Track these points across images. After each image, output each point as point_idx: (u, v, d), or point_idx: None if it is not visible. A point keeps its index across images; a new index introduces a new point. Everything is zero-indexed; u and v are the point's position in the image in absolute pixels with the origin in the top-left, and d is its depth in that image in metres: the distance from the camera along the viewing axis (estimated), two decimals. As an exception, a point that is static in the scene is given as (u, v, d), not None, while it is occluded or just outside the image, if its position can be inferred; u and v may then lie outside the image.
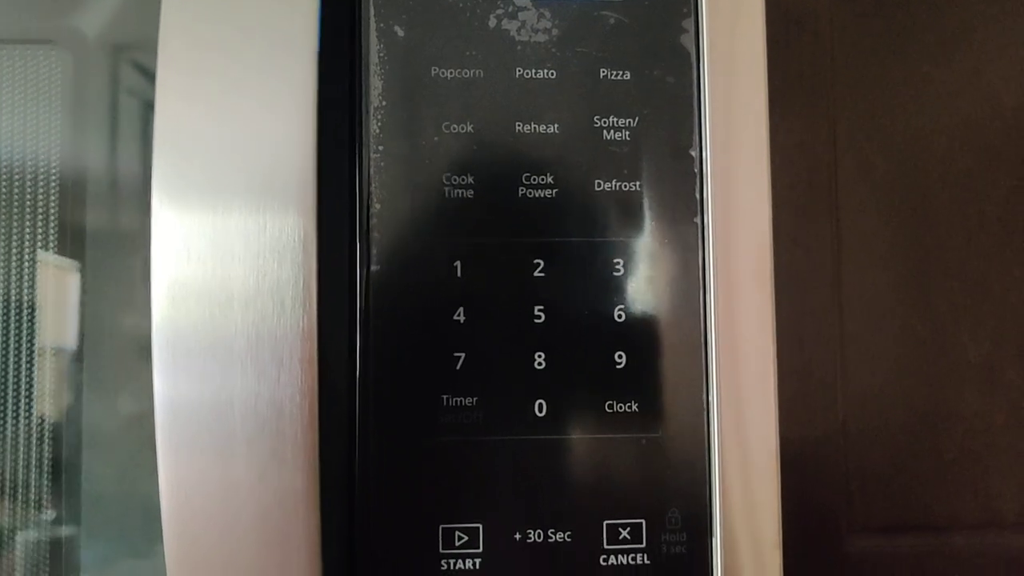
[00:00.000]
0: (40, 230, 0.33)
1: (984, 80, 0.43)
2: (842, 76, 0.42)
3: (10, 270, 0.33)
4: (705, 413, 0.29)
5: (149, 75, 0.32)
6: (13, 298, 0.33)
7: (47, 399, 0.33)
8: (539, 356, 0.28)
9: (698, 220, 0.29)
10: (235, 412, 0.26)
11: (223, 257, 0.26)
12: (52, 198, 0.33)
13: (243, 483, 0.25)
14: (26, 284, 0.33)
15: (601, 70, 0.29)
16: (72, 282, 0.33)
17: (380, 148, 0.29)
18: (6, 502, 0.33)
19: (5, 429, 0.33)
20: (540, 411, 0.28)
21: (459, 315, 0.28)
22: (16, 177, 0.33)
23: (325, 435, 0.27)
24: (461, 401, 0.28)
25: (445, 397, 0.28)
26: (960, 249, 0.43)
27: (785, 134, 0.41)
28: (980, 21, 0.43)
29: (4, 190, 0.33)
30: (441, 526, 0.28)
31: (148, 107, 0.33)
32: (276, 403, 0.26)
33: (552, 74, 0.29)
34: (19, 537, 0.33)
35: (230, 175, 0.27)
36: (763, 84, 0.30)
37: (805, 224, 0.42)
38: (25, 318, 0.33)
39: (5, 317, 0.33)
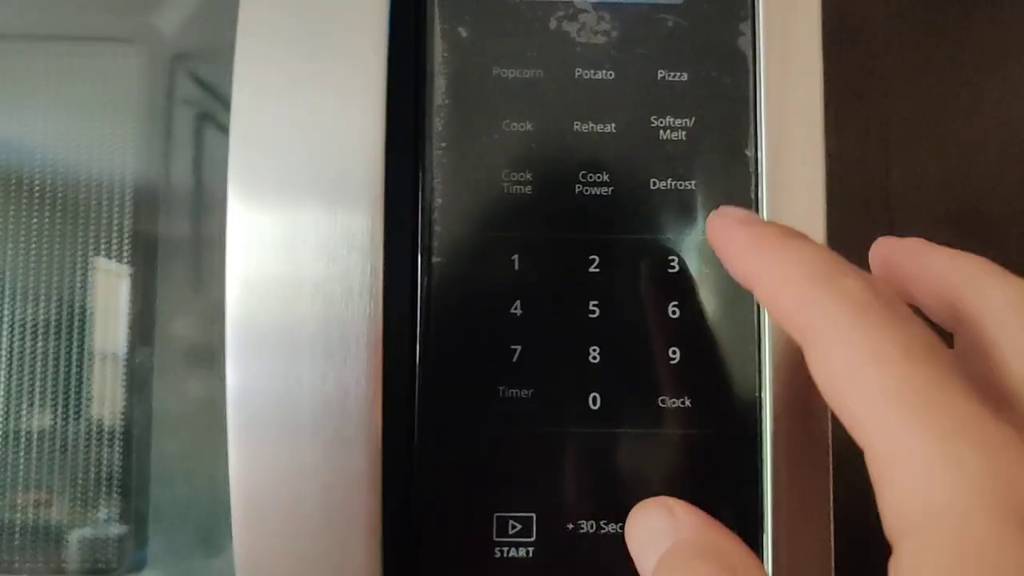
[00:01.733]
0: (105, 233, 0.35)
1: (1038, 90, 0.43)
2: (895, 85, 0.42)
3: (75, 272, 0.35)
4: (758, 410, 0.29)
5: (222, 75, 0.33)
6: (77, 301, 0.35)
7: (107, 398, 0.34)
8: (594, 350, 0.29)
9: (753, 219, 0.30)
10: (304, 394, 0.27)
11: (295, 247, 0.27)
12: (127, 199, 0.34)
13: (308, 463, 0.26)
14: (87, 289, 0.35)
15: (659, 71, 0.30)
16: (136, 287, 0.35)
17: (443, 145, 0.30)
18: (71, 500, 0.34)
19: (68, 428, 0.34)
20: (594, 404, 0.29)
21: (516, 308, 0.29)
22: (92, 176, 0.34)
23: (387, 420, 0.28)
24: (517, 392, 0.29)
25: (501, 388, 0.29)
26: (1011, 260, 0.42)
27: (838, 142, 0.41)
28: (1035, 32, 0.43)
29: (82, 187, 0.34)
30: (496, 514, 0.28)
31: (219, 107, 0.34)
32: (342, 385, 0.26)
33: (610, 75, 0.30)
34: (80, 533, 0.34)
35: (302, 169, 0.28)
36: (819, 87, 0.30)
37: (857, 232, 0.42)
38: (87, 321, 0.34)
39: (68, 320, 0.34)
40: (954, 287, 0.24)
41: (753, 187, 0.30)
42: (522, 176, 0.30)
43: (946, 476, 0.18)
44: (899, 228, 0.42)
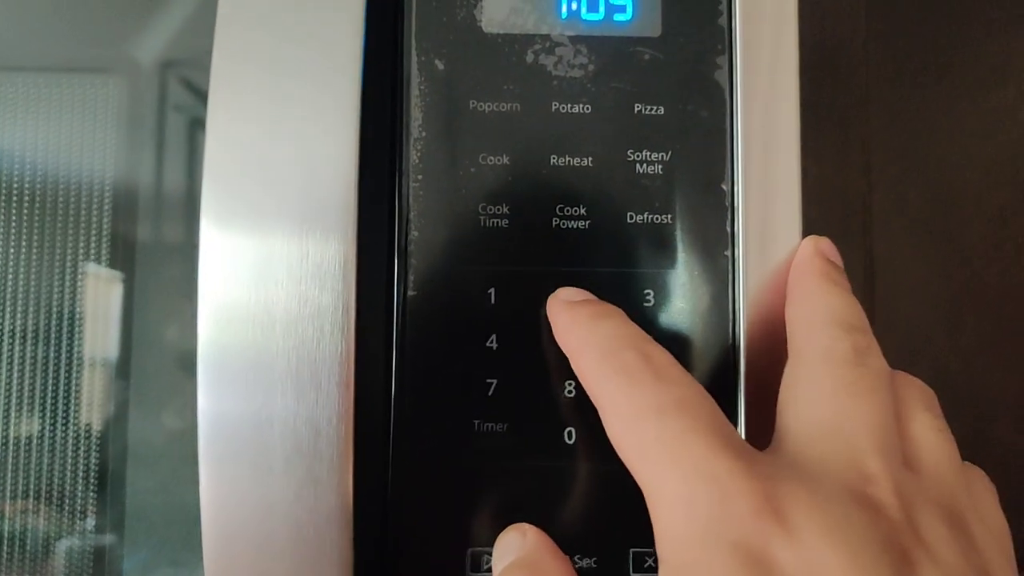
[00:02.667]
0: (92, 247, 0.35)
1: (1020, 117, 0.43)
2: (877, 110, 0.42)
3: (64, 284, 0.34)
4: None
5: (200, 99, 0.33)
6: (66, 310, 0.35)
7: (93, 409, 0.34)
8: (569, 384, 0.29)
9: (728, 253, 0.30)
10: (274, 431, 0.27)
11: (267, 281, 0.27)
12: (104, 219, 0.34)
13: (280, 501, 0.26)
14: (76, 296, 0.35)
15: (635, 105, 0.30)
16: (117, 294, 0.35)
17: (419, 178, 0.30)
18: (52, 510, 0.34)
19: (46, 437, 0.34)
20: (570, 439, 0.29)
21: (492, 342, 0.29)
22: (72, 196, 0.34)
23: (360, 456, 0.28)
24: (492, 427, 0.29)
25: (477, 422, 0.29)
26: (993, 285, 0.42)
27: (819, 166, 0.42)
28: (1017, 58, 0.43)
29: (60, 211, 0.34)
30: (470, 549, 0.28)
31: (197, 130, 0.34)
32: (313, 424, 0.26)
33: (587, 108, 0.30)
34: (62, 544, 0.34)
35: (276, 202, 0.28)
36: (796, 119, 0.30)
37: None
38: (75, 329, 0.34)
39: (58, 328, 0.34)
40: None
41: (729, 220, 0.30)
42: (499, 209, 0.30)
43: (682, 513, 0.23)
44: (880, 253, 0.42)
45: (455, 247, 0.30)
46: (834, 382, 0.25)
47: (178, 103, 0.34)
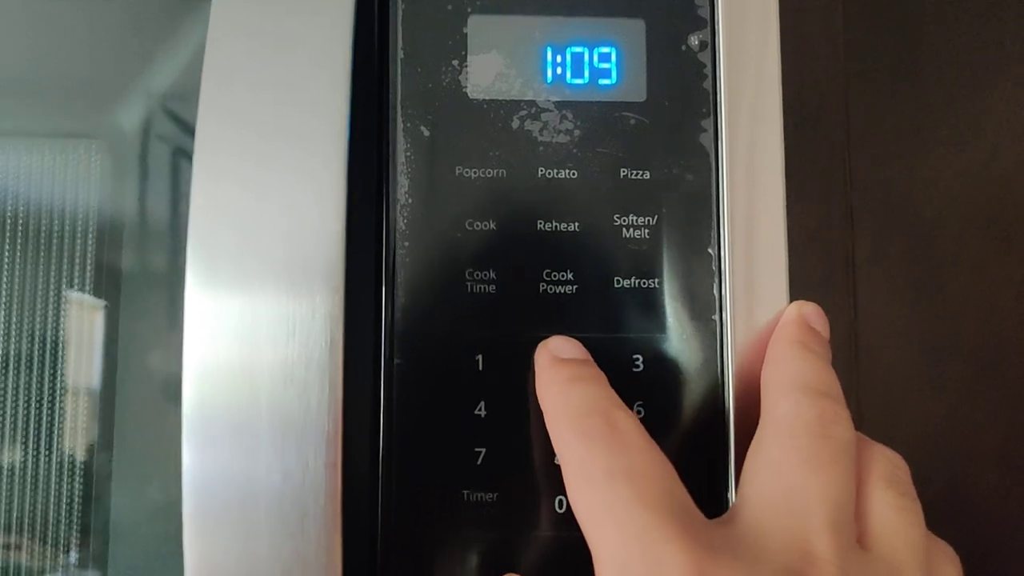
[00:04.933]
0: (77, 276, 0.34)
1: (998, 167, 0.44)
2: (858, 162, 0.43)
3: (47, 313, 0.34)
4: (725, 509, 0.29)
5: (185, 130, 0.33)
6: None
7: (75, 437, 0.33)
8: (559, 451, 0.29)
9: (716, 317, 0.30)
10: (259, 493, 0.26)
11: (252, 343, 0.27)
12: (89, 248, 0.34)
13: (264, 561, 0.25)
14: (60, 325, 0.34)
15: (621, 169, 0.30)
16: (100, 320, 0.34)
17: (405, 244, 0.29)
18: (35, 542, 0.34)
19: (28, 467, 0.33)
20: (560, 507, 0.29)
21: (480, 409, 0.29)
22: (56, 226, 0.34)
23: (348, 524, 0.27)
24: (482, 496, 0.28)
25: (466, 492, 0.29)
26: (975, 332, 0.43)
27: (803, 218, 0.42)
28: (994, 110, 0.44)
29: (43, 240, 0.34)
30: (460, 622, 0.28)
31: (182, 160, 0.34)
32: (299, 488, 0.26)
33: (573, 173, 0.30)
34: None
35: (261, 268, 0.27)
36: (781, 182, 0.31)
37: (822, 306, 0.42)
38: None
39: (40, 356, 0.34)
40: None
41: (716, 284, 0.30)
42: (486, 275, 0.29)
43: None
44: (862, 303, 0.42)
45: (442, 313, 0.29)
46: (795, 453, 0.25)
47: (163, 134, 0.34)
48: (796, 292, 0.38)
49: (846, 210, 0.42)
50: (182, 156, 0.34)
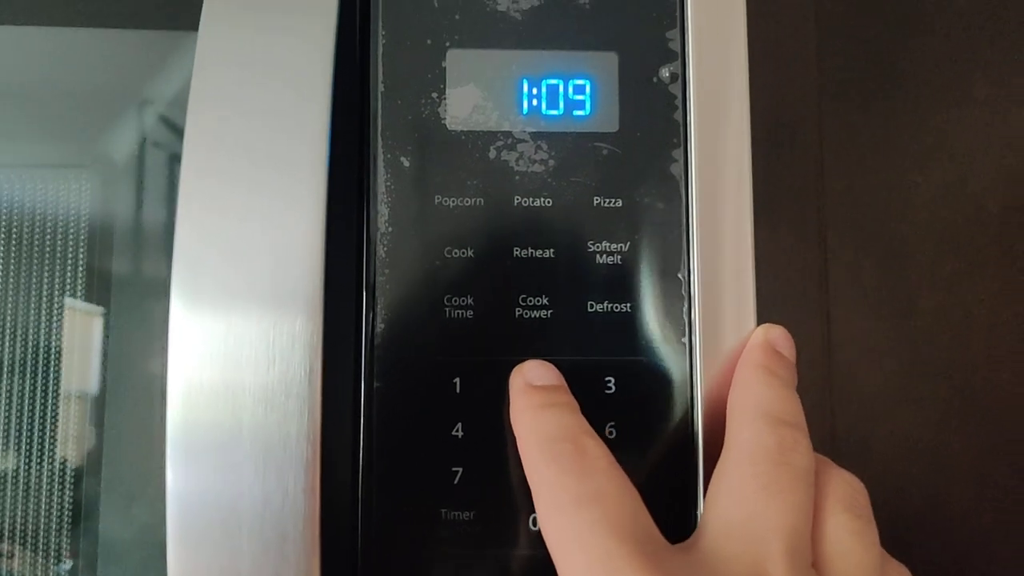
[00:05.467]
0: (69, 282, 0.35)
1: (968, 187, 0.45)
2: (831, 184, 0.44)
3: (40, 319, 0.35)
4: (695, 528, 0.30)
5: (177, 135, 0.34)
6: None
7: (69, 444, 0.34)
8: (534, 470, 0.30)
9: (686, 340, 0.31)
10: (242, 515, 0.27)
11: (235, 370, 0.28)
12: (80, 254, 0.35)
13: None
14: (53, 332, 0.35)
15: (595, 198, 0.31)
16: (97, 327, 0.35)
17: (386, 271, 0.30)
18: (27, 552, 0.34)
19: (22, 474, 0.34)
20: (534, 526, 0.29)
21: (457, 430, 0.30)
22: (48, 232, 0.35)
23: (329, 543, 0.28)
24: (459, 515, 0.29)
25: (444, 510, 0.30)
26: (948, 351, 0.44)
27: (777, 240, 0.43)
28: (962, 129, 0.45)
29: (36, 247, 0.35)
30: (438, 637, 0.29)
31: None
32: (279, 512, 0.27)
33: (548, 202, 0.31)
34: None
35: (244, 295, 0.28)
36: (749, 209, 0.32)
37: (797, 327, 0.43)
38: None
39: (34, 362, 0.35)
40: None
41: (686, 308, 0.31)
42: (463, 301, 0.30)
43: None
44: (837, 321, 0.43)
45: (421, 338, 0.30)
46: (754, 479, 0.26)
47: (157, 128, 0.35)
48: (771, 310, 0.39)
49: (820, 228, 0.43)
50: (170, 181, 0.35)
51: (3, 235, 0.34)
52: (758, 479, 0.26)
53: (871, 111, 0.45)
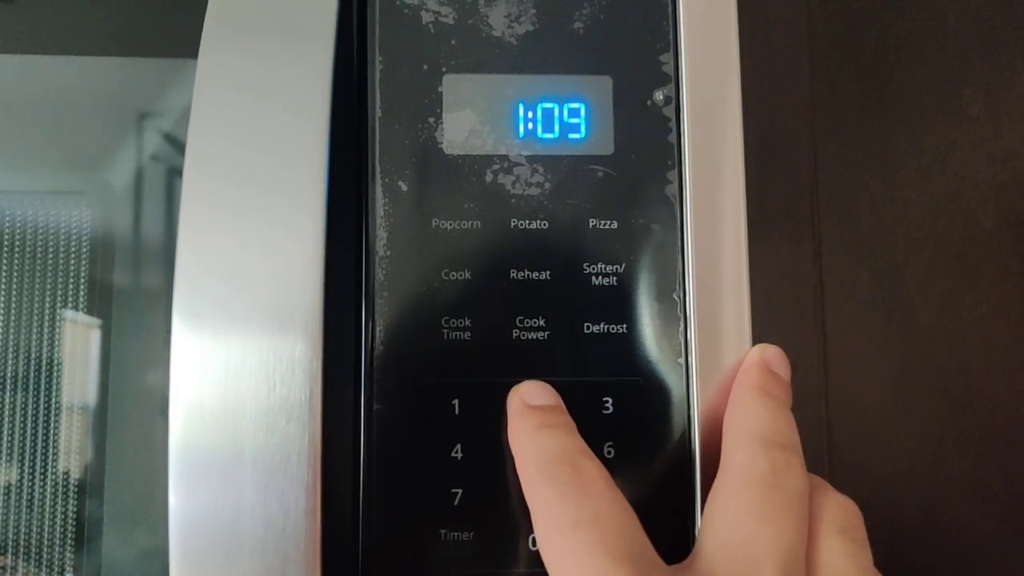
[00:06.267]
0: (71, 294, 0.35)
1: (962, 202, 0.45)
2: (826, 199, 0.44)
3: (42, 331, 0.35)
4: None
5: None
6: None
7: (70, 457, 0.35)
8: (533, 490, 0.30)
9: (682, 360, 0.31)
10: (244, 536, 0.27)
11: (235, 394, 0.28)
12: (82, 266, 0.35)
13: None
14: (54, 344, 0.35)
15: (590, 220, 0.32)
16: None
17: (384, 294, 0.31)
18: (31, 564, 0.35)
19: (24, 487, 0.35)
20: (534, 546, 0.30)
21: (457, 452, 0.30)
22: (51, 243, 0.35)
23: (328, 565, 0.28)
24: (458, 536, 0.30)
25: (443, 531, 0.30)
26: (943, 365, 0.44)
27: (772, 257, 0.43)
28: (955, 145, 0.45)
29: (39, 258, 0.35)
30: (438, 658, 0.29)
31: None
32: (280, 534, 0.27)
33: (544, 224, 0.31)
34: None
35: (245, 321, 0.29)
36: (743, 230, 0.32)
37: (793, 343, 0.43)
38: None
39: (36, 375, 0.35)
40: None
41: (682, 328, 0.31)
42: (461, 323, 0.31)
43: None
44: (833, 337, 0.44)
45: (420, 360, 0.31)
46: (748, 503, 0.26)
47: (157, 154, 0.35)
48: (767, 327, 0.39)
49: (815, 245, 0.44)
50: (172, 206, 0.35)
51: (6, 259, 0.35)
52: (752, 502, 0.26)
53: (864, 128, 0.45)
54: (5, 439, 0.35)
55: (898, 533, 0.43)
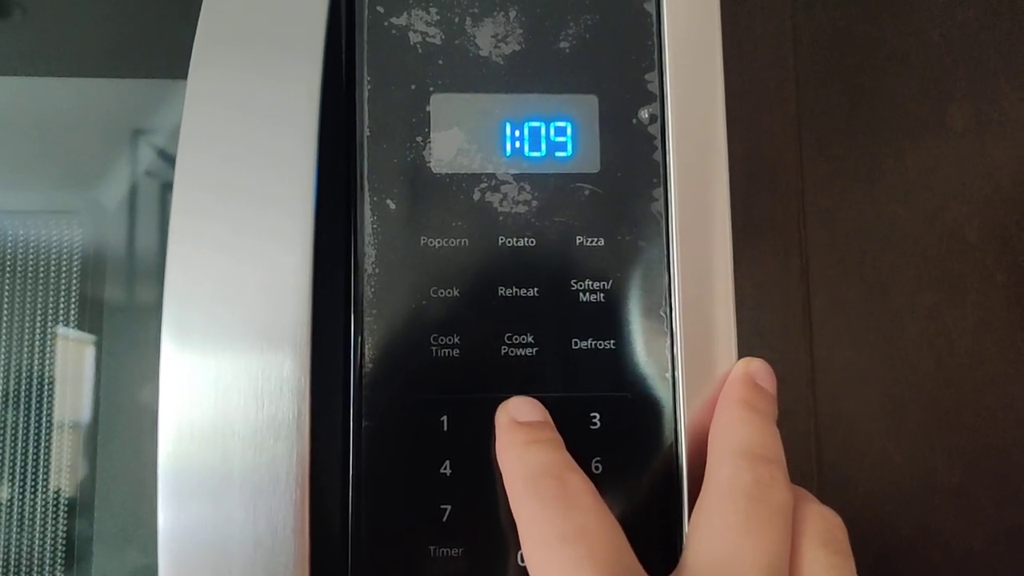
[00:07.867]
0: (62, 310, 0.36)
1: (948, 217, 0.46)
2: (814, 217, 0.45)
3: (33, 348, 0.35)
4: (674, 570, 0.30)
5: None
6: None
7: (60, 474, 0.35)
8: (521, 506, 0.30)
9: (669, 376, 0.31)
10: (232, 552, 0.27)
11: (224, 414, 0.28)
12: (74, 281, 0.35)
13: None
14: (45, 360, 0.35)
15: (577, 237, 0.32)
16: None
17: (373, 312, 0.31)
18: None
19: (15, 503, 0.35)
20: (522, 562, 0.30)
21: (445, 468, 0.30)
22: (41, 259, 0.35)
23: (318, 582, 0.29)
24: (448, 552, 0.30)
25: (432, 548, 0.30)
26: (931, 378, 0.45)
27: (760, 273, 0.44)
28: (941, 160, 0.46)
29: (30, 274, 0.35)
30: (428, 675, 0.29)
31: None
32: (269, 553, 0.27)
33: (532, 242, 0.32)
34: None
35: (233, 339, 0.29)
36: (728, 246, 0.32)
37: (781, 357, 0.44)
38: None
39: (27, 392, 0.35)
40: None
41: (668, 344, 0.32)
42: (450, 340, 0.31)
43: None
44: (821, 352, 0.44)
45: (408, 377, 0.31)
46: (732, 516, 0.27)
47: (149, 174, 0.35)
48: (755, 342, 0.39)
49: (802, 260, 0.44)
50: (161, 228, 0.35)
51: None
52: (736, 515, 0.26)
53: (850, 144, 0.46)
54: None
55: (888, 547, 0.44)
